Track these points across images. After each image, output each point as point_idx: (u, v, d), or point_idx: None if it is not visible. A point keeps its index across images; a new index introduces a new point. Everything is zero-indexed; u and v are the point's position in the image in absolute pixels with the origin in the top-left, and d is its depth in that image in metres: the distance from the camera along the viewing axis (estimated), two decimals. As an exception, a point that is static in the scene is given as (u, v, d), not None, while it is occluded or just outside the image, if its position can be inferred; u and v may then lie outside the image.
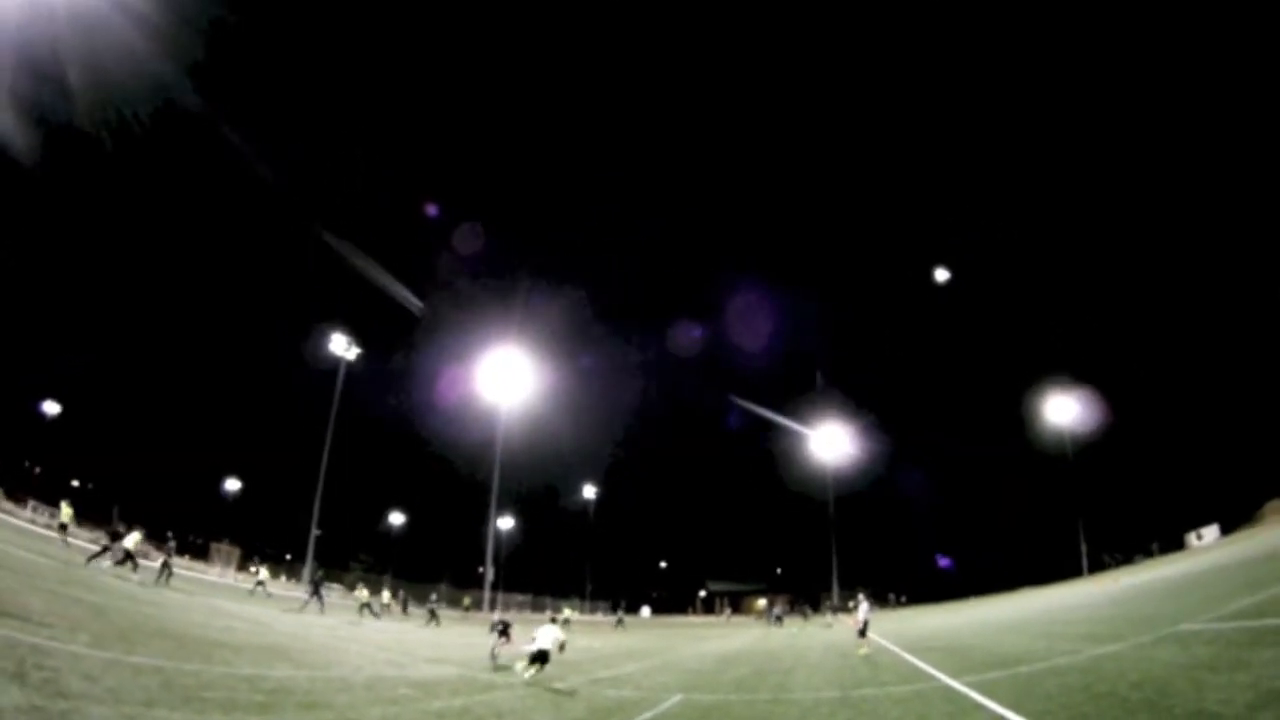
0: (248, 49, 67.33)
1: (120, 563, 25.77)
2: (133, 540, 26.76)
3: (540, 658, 16.02)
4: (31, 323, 63.79)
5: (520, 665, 16.46)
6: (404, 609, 46.67)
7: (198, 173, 73.29)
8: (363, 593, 36.31)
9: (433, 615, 40.09)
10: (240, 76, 69.13)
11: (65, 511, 31.60)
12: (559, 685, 16.01)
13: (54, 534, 31.85)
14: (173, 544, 33.14)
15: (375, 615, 34.74)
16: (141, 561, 26.90)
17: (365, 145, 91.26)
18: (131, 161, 64.37)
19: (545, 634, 16.45)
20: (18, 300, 60.36)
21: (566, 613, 52.50)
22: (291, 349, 77.74)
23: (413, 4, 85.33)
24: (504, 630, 20.08)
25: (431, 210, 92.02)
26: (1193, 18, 60.92)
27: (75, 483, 70.18)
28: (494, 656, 19.44)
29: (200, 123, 66.46)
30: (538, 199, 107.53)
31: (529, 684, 15.54)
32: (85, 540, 34.50)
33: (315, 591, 33.86)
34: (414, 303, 77.98)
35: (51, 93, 49.02)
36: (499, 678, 16.70)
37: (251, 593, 35.98)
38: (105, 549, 26.56)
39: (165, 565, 28.06)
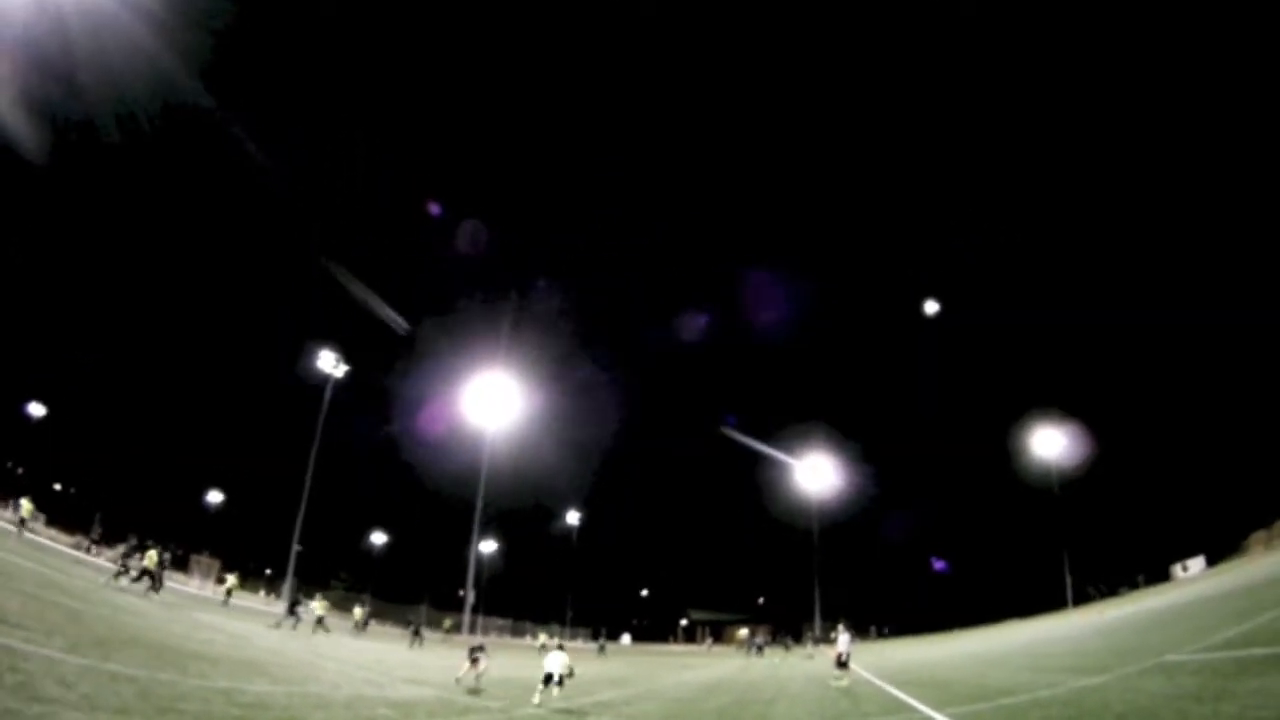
0: (243, 57, 67.60)
1: (138, 579, 26.02)
2: (150, 559, 27.24)
3: (549, 680, 17.11)
4: (20, 323, 63.44)
5: (536, 694, 17.11)
6: (362, 626, 45.24)
7: (192, 182, 73.43)
8: (318, 604, 34.92)
9: (416, 635, 39.84)
10: (237, 85, 69.31)
11: (25, 507, 32.45)
12: (538, 712, 15.86)
13: (13, 529, 32.13)
14: (166, 556, 33.19)
15: (326, 631, 32.91)
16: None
17: (363, 160, 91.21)
18: (125, 166, 64.49)
19: (553, 660, 17.54)
20: (8, 300, 60.12)
21: (543, 639, 52.10)
22: (280, 364, 77.30)
23: (410, 14, 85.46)
24: (474, 656, 19.98)
25: (422, 232, 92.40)
26: (1189, 43, 62.24)
27: (58, 486, 69.50)
28: (457, 680, 19.36)
29: (196, 129, 66.59)
30: (526, 222, 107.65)
31: (539, 706, 16.24)
32: (66, 544, 34.41)
33: (292, 610, 34.01)
34: (399, 323, 77.67)
35: (50, 91, 49.10)
36: (475, 701, 16.55)
37: (224, 604, 35.63)
38: (125, 568, 26.95)
39: (153, 575, 27.95)
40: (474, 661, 19.89)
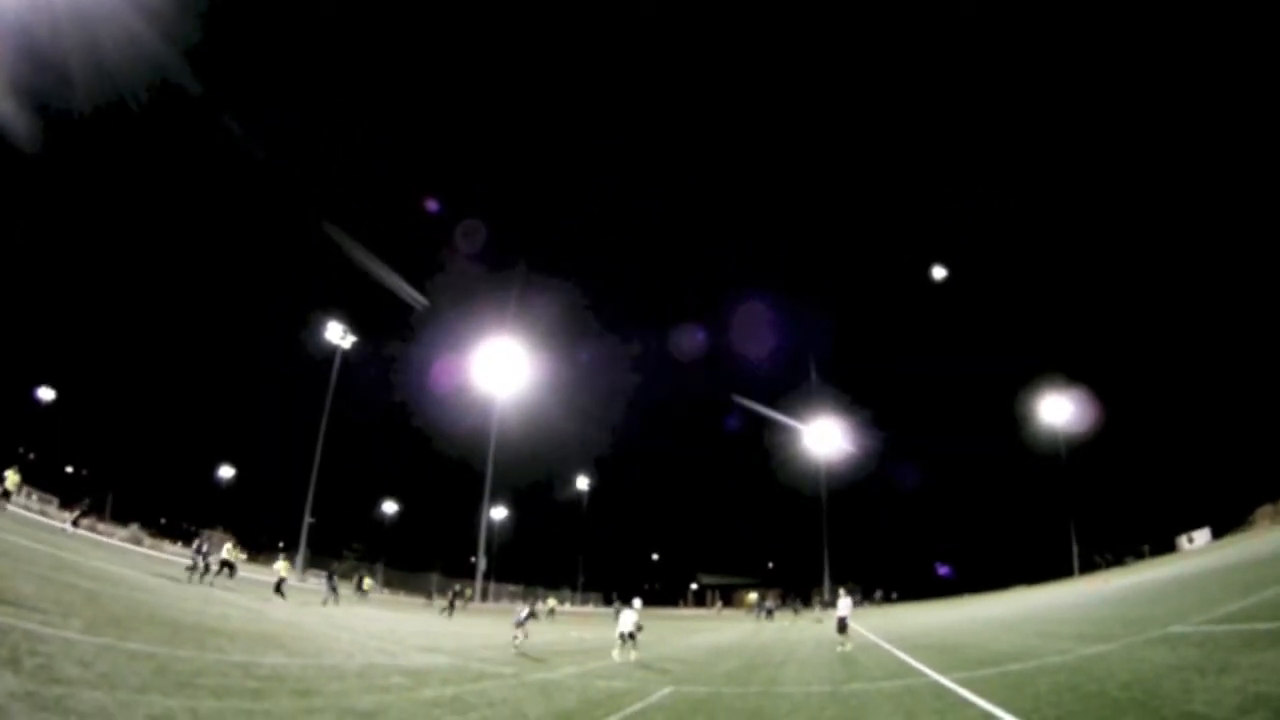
0: (247, 31, 67.14)
1: (218, 572, 27.34)
2: (227, 550, 28.66)
3: (623, 637, 20.31)
4: (28, 307, 63.63)
5: (615, 650, 20.27)
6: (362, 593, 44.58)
7: (195, 157, 73.15)
8: (280, 565, 32.47)
9: (451, 604, 40.05)
10: (240, 60, 68.98)
11: (11, 479, 32.39)
12: (549, 675, 16.11)
13: (42, 518, 32.47)
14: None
15: (283, 596, 29.72)
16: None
17: (365, 130, 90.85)
18: (130, 145, 64.29)
19: (626, 619, 20.75)
20: (14, 284, 60.25)
21: (551, 603, 52.72)
22: (287, 336, 77.64)
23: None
24: (523, 621, 22.74)
25: (430, 198, 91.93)
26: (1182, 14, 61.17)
27: (69, 469, 70.12)
28: (516, 646, 21.46)
29: (199, 107, 66.33)
30: (537, 190, 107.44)
31: (620, 662, 19.18)
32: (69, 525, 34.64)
33: (330, 585, 35.03)
34: (415, 296, 77.76)
35: (51, 77, 48.82)
36: (488, 668, 16.77)
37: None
38: (198, 564, 27.98)
39: (220, 564, 30.31)
40: (521, 625, 22.45)
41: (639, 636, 20.62)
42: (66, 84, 50.36)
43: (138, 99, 59.01)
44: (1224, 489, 53.23)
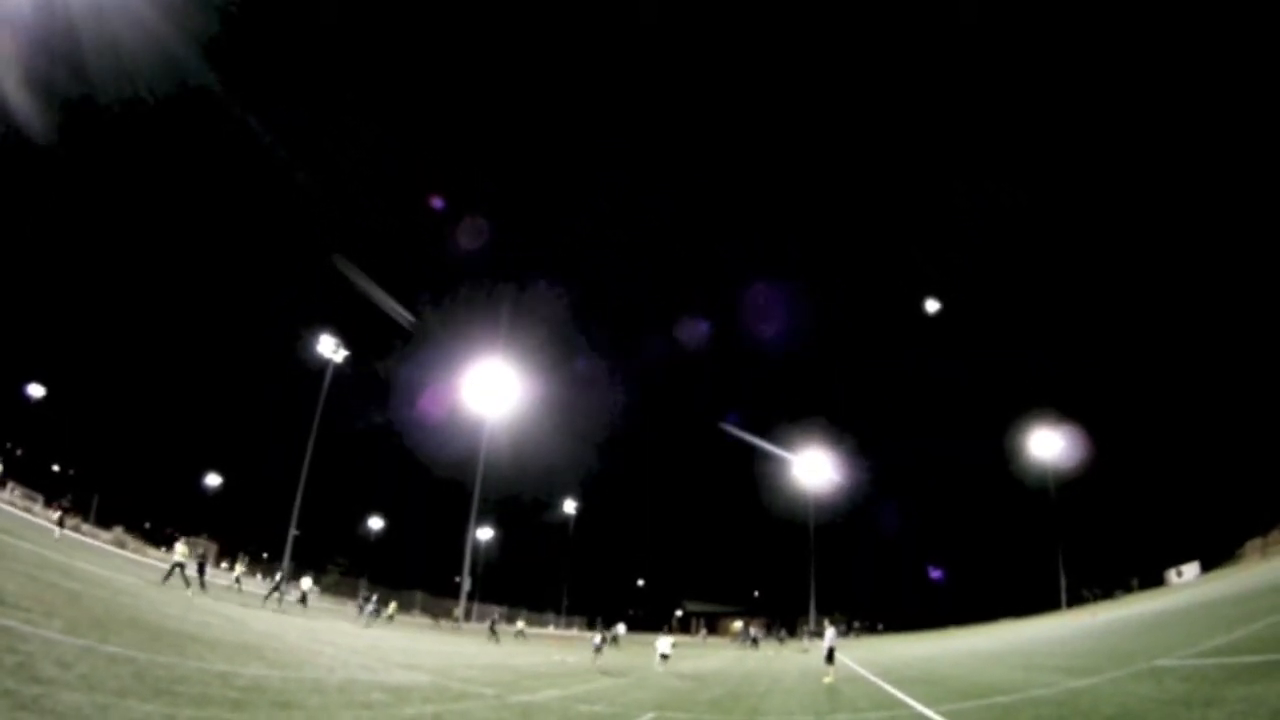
0: (244, 43, 67.39)
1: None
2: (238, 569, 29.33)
3: (663, 658, 27.40)
4: (21, 304, 63.37)
5: (658, 665, 26.90)
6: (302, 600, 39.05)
7: (195, 162, 73.25)
8: (180, 549, 28.57)
9: (493, 632, 40.16)
10: (240, 65, 69.12)
11: None
12: (531, 698, 15.97)
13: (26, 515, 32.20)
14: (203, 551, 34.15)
15: (187, 584, 26.79)
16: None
17: (365, 136, 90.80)
18: (128, 146, 64.34)
19: (663, 643, 27.92)
20: (10, 280, 60.05)
21: (520, 625, 53.07)
22: (280, 347, 77.39)
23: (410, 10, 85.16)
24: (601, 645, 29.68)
25: (422, 219, 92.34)
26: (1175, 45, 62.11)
27: (56, 467, 69.56)
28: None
29: (198, 109, 66.51)
30: (525, 212, 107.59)
31: (663, 673, 24.38)
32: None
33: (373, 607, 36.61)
34: (404, 315, 77.62)
35: (48, 72, 48.91)
36: (470, 688, 16.62)
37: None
38: (198, 570, 28.48)
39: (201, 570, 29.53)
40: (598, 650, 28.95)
41: (671, 655, 27.98)
42: (65, 79, 50.55)
43: (138, 97, 59.08)
44: (1213, 523, 53.47)
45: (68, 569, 19.51)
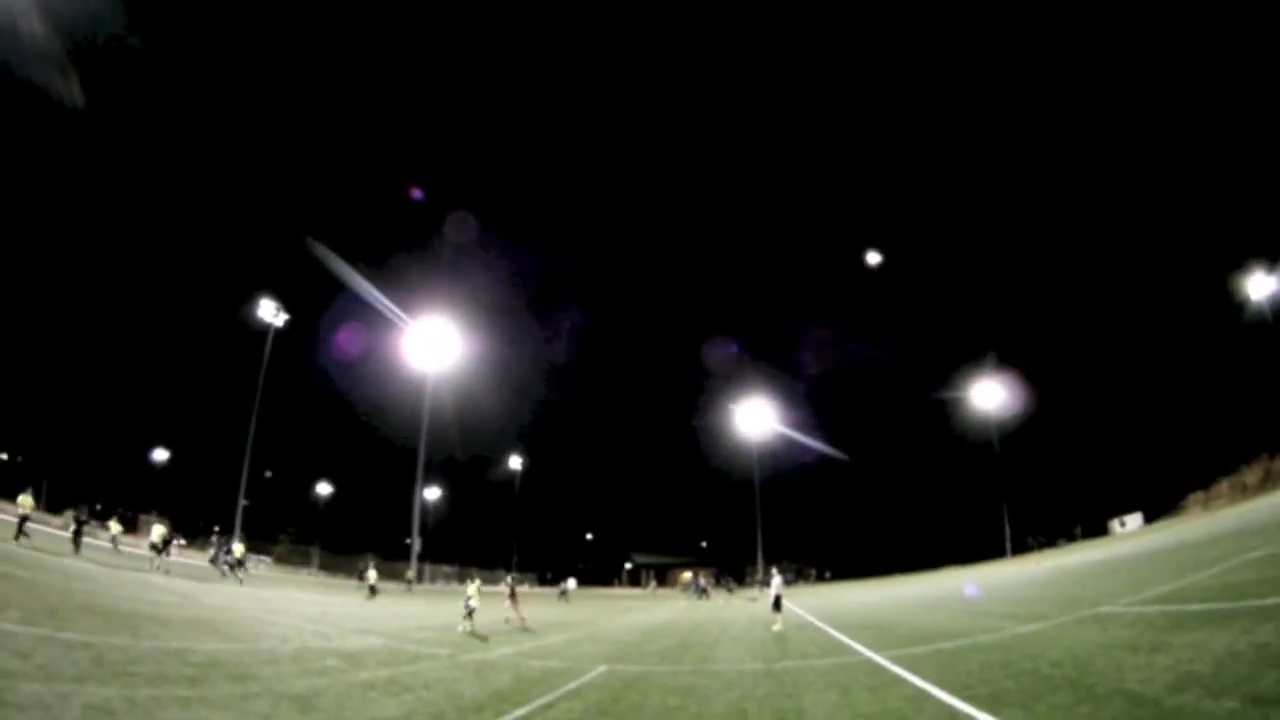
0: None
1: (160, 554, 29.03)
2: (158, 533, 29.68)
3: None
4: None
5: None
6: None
7: (123, 134, 70.46)
8: (24, 500, 27.06)
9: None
10: (186, 33, 66.70)
11: None
12: (485, 656, 16.46)
13: None
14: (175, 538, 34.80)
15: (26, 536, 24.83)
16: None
17: (307, 103, 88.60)
18: (54, 120, 61.56)
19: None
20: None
21: (476, 584, 52.83)
22: (220, 314, 75.51)
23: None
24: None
25: (366, 172, 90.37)
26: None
27: (3, 456, 67.36)
28: (507, 620, 25.08)
29: (141, 76, 64.05)
30: (473, 168, 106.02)
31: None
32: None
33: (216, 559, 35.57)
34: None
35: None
36: (423, 649, 17.04)
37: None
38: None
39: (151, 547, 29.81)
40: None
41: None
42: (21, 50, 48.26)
43: (80, 59, 56.58)
44: (1156, 475, 55.00)
45: (17, 557, 19.41)
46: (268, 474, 72.93)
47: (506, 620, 24.77)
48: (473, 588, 22.27)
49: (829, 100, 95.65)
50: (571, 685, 12.72)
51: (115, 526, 34.49)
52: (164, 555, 29.46)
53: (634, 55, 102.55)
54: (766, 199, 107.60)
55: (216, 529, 64.22)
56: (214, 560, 36.85)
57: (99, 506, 36.11)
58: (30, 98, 55.96)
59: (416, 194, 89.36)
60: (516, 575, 34.88)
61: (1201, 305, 58.51)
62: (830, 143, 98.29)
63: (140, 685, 8.98)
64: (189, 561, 36.52)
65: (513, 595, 26.71)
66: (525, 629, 24.01)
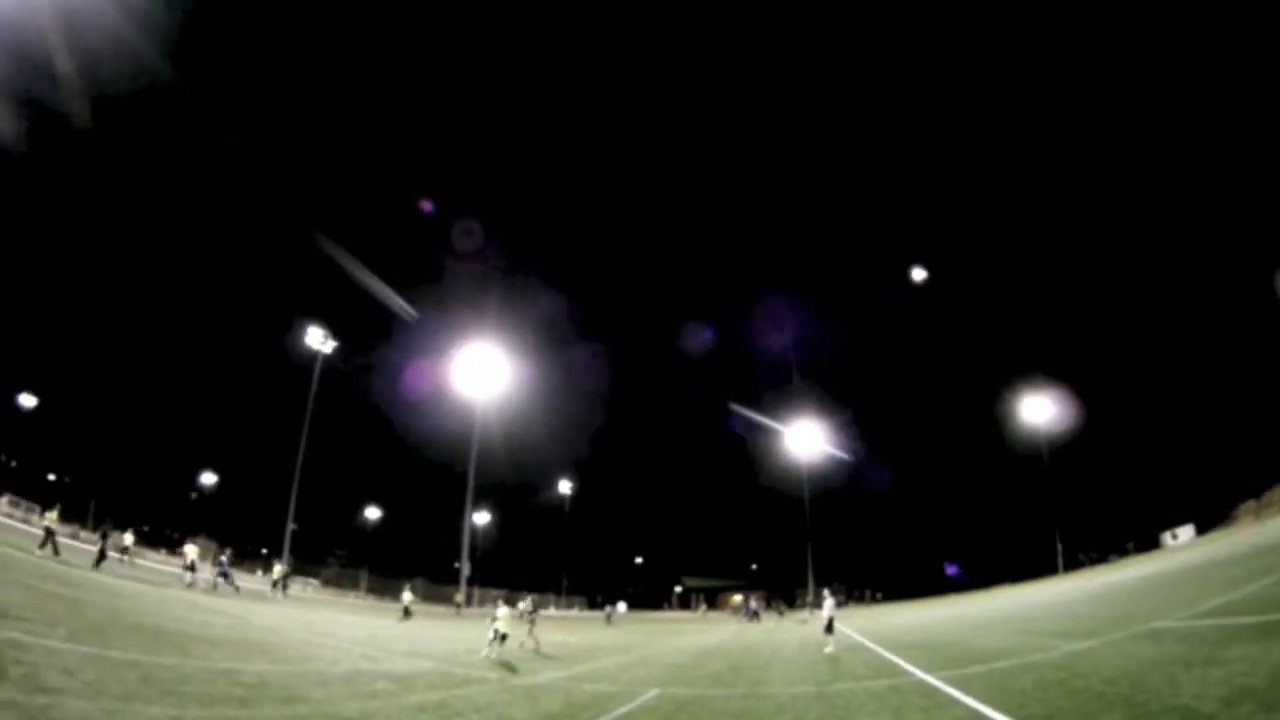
0: (238, 31, 66.78)
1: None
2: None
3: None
4: (8, 313, 62.80)
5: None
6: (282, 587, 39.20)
7: (175, 164, 72.54)
8: (51, 516, 27.49)
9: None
10: (230, 59, 68.61)
11: None
12: (535, 680, 16.15)
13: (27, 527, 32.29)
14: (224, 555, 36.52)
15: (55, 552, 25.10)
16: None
17: (349, 134, 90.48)
18: (110, 146, 63.65)
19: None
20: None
21: (513, 608, 52.49)
22: (269, 341, 76.99)
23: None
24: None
25: (413, 203, 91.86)
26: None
27: (52, 476, 69.23)
28: (521, 645, 23.70)
29: (182, 104, 65.92)
30: (518, 196, 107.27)
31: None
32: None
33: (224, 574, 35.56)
34: (404, 307, 77.20)
35: (35, 78, 48.32)
36: (474, 673, 16.77)
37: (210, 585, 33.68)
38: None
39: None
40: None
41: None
42: (52, 82, 49.86)
43: (121, 96, 58.35)
44: (1207, 486, 53.45)
45: (66, 576, 19.58)
46: (314, 498, 73.86)
47: (521, 645, 23.69)
48: (502, 612, 21.50)
49: (880, 112, 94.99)
50: (624, 709, 12.50)
51: (128, 538, 35.91)
52: (195, 574, 30.93)
53: (676, 79, 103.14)
54: (818, 220, 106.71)
55: (264, 551, 65.02)
56: (275, 585, 37.85)
57: (146, 528, 36.91)
58: (85, 131, 57.85)
59: (467, 231, 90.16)
60: (537, 598, 34.08)
61: (1249, 311, 57.01)
62: (882, 157, 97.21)
63: (189, 705, 8.81)
64: (238, 585, 36.68)
65: (531, 619, 26.32)
66: (540, 654, 23.13)
